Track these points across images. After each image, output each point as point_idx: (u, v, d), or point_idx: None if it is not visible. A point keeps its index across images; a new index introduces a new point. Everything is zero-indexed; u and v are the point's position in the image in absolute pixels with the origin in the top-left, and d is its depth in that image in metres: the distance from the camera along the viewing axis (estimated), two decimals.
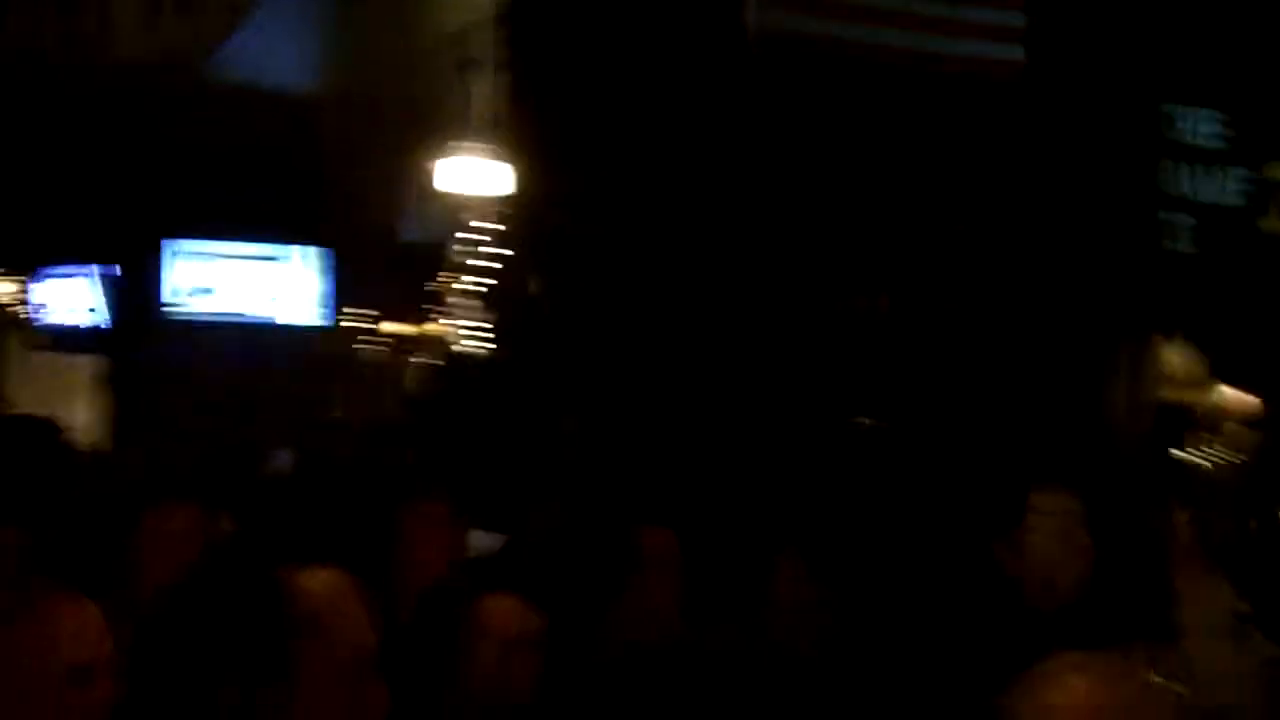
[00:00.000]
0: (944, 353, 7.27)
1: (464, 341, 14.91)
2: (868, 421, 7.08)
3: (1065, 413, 7.38)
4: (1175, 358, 8.78)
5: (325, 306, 15.54)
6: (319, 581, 2.35)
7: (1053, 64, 7.63)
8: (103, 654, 2.54)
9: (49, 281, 14.94)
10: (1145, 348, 8.23)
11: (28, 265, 15.05)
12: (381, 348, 18.61)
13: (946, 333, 7.26)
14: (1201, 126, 8.27)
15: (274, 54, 9.36)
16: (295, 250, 14.36)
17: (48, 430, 9.91)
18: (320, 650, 2.27)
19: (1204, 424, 9.71)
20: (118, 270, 14.01)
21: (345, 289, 16.67)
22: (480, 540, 7.28)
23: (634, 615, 4.14)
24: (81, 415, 15.07)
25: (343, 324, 18.02)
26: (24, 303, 16.33)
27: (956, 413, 7.20)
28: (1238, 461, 9.67)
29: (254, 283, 14.12)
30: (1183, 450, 9.64)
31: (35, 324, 15.48)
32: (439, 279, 15.26)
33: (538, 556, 5.83)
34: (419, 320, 17.21)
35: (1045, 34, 7.60)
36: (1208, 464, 9.61)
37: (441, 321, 15.77)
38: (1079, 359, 7.67)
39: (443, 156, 10.73)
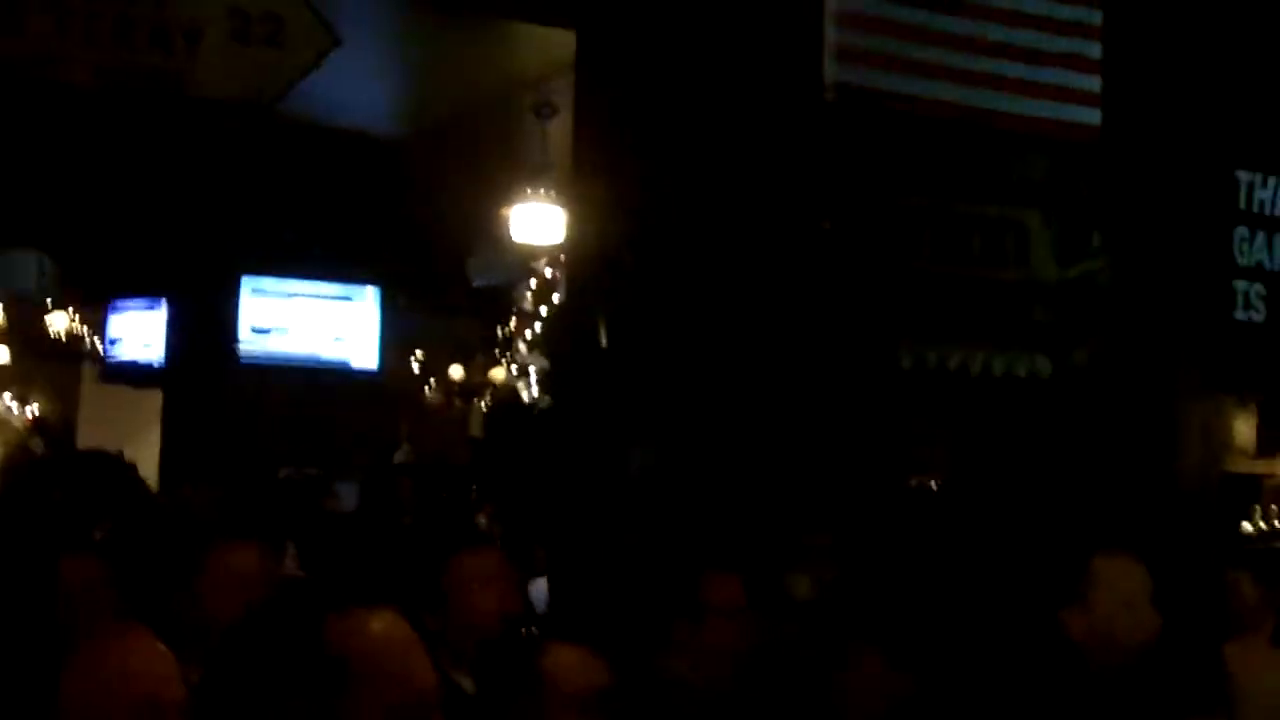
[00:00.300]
0: (1012, 413, 7.22)
1: (531, 386, 14.97)
2: (933, 482, 7.03)
3: (1134, 480, 7.31)
4: (1245, 428, 8.69)
5: (393, 348, 15.60)
6: (373, 625, 2.32)
7: (1129, 128, 7.60)
8: (171, 692, 2.54)
9: (122, 314, 15.08)
10: (1216, 416, 8.14)
11: (103, 297, 15.21)
12: (449, 390, 18.71)
13: (1016, 393, 7.21)
14: (1276, 194, 8.21)
15: (352, 93, 9.45)
16: (366, 290, 14.44)
17: (119, 466, 10.02)
18: (371, 695, 2.24)
19: (1273, 496, 9.60)
20: (189, 305, 14.12)
21: (414, 331, 16.77)
22: (536, 588, 7.29)
23: (692, 662, 4.13)
24: (151, 450, 15.20)
25: (411, 366, 18.13)
26: (98, 335, 16.51)
27: (1023, 475, 7.14)
28: None
29: (324, 322, 14.20)
30: (1251, 522, 9.54)
31: (108, 357, 15.63)
32: (508, 323, 15.35)
33: (598, 600, 5.83)
34: (487, 364, 17.30)
35: (1123, 98, 7.57)
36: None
37: (509, 366, 15.85)
38: (1149, 426, 7.60)
39: (516, 202, 10.79)
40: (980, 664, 4.23)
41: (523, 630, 4.10)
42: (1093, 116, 7.52)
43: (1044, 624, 4.28)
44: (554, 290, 13.74)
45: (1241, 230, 8.08)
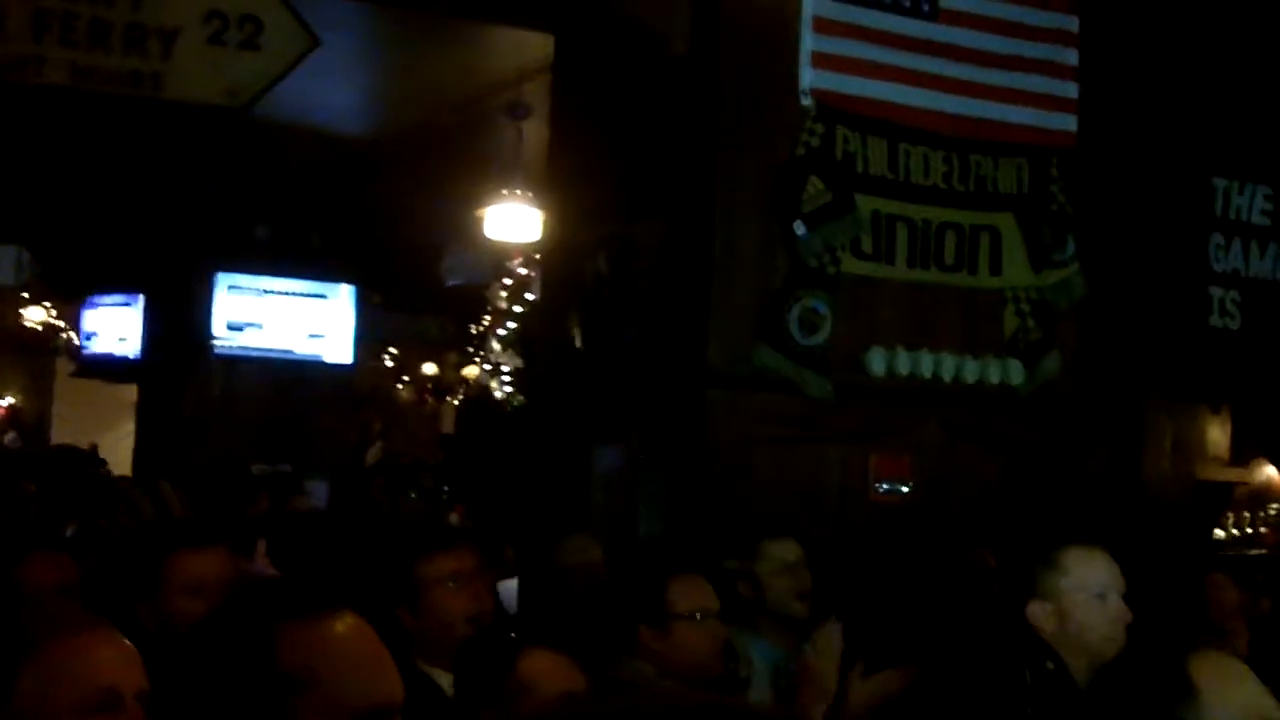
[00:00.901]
0: (983, 420, 7.24)
1: (503, 385, 14.97)
2: (903, 489, 7.04)
3: (1106, 488, 7.34)
4: (1219, 435, 8.73)
5: (367, 345, 15.60)
6: (332, 630, 2.28)
7: (1105, 135, 7.63)
8: (132, 682, 2.54)
9: (96, 309, 15.06)
10: (1189, 423, 8.18)
11: (77, 293, 15.18)
12: (421, 388, 18.71)
13: (988, 400, 7.23)
14: (1252, 201, 8.26)
15: (329, 93, 9.45)
16: (340, 288, 14.44)
17: (90, 462, 10.02)
18: (329, 703, 2.20)
19: (1246, 503, 9.65)
20: (165, 300, 14.10)
21: (387, 328, 16.76)
22: (506, 588, 7.30)
23: (658, 667, 4.14)
24: (125, 443, 15.18)
25: (384, 363, 18.13)
26: (74, 329, 16.48)
27: (994, 483, 7.16)
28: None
29: (298, 319, 14.19)
30: (1224, 529, 9.58)
31: (82, 351, 15.60)
32: (481, 321, 15.35)
33: (565, 601, 5.83)
34: (459, 362, 17.30)
35: (1099, 105, 7.60)
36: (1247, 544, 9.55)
37: (482, 364, 15.85)
38: (1122, 433, 7.64)
39: (491, 202, 10.80)
40: (951, 666, 4.25)
41: (500, 633, 4.10)
42: (1069, 123, 7.55)
43: (1011, 620, 4.28)
44: (527, 289, 13.75)
45: (1217, 237, 8.12)
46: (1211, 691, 2.86)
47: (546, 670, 3.28)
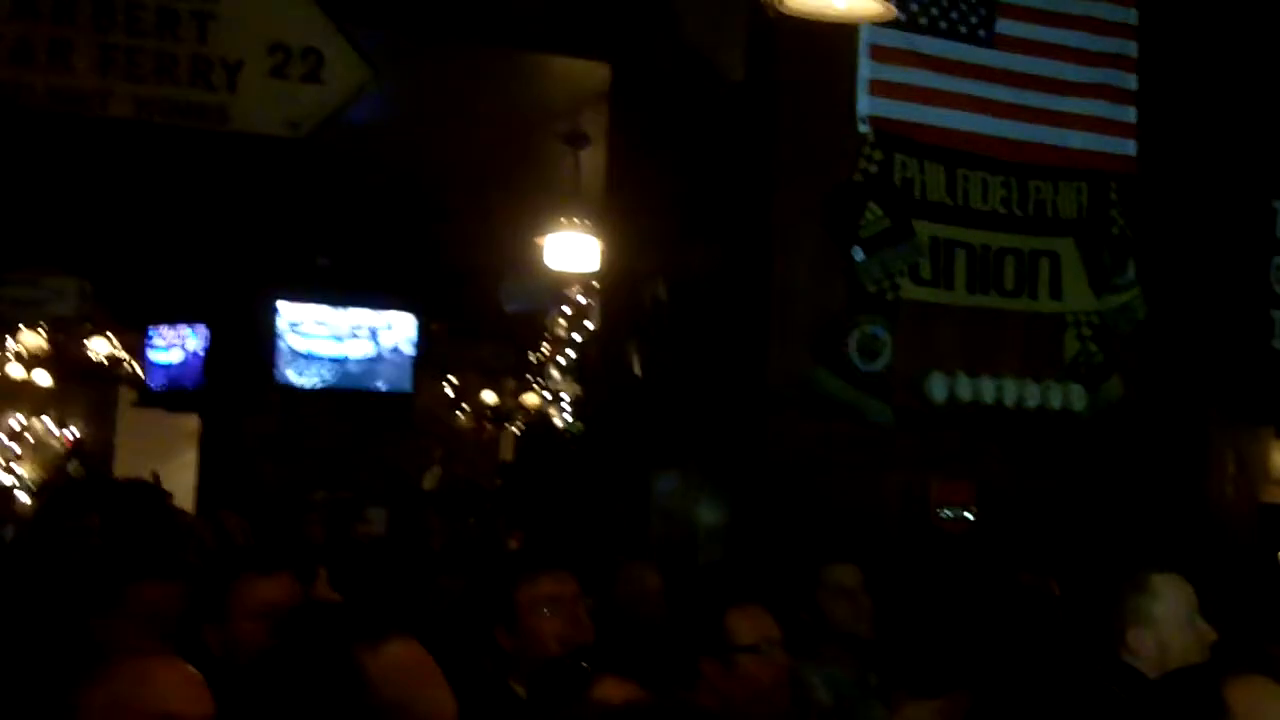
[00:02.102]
0: (1046, 445, 7.21)
1: (563, 412, 15.02)
2: (967, 515, 7.02)
3: (1169, 512, 7.29)
4: None
5: (427, 373, 15.68)
6: (394, 654, 2.32)
7: (1166, 159, 7.60)
8: (198, 709, 2.57)
9: (159, 339, 15.20)
10: (1252, 447, 8.11)
11: (142, 323, 15.33)
12: (480, 415, 18.77)
13: (1049, 425, 7.21)
14: None
15: (388, 123, 9.52)
16: (400, 317, 14.53)
17: (154, 496, 10.11)
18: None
19: None
20: (227, 330, 14.23)
21: (447, 356, 16.85)
22: None
23: (721, 700, 4.09)
24: (184, 474, 15.30)
25: (443, 390, 18.20)
26: (137, 360, 16.65)
27: (1057, 509, 7.13)
28: None
29: (358, 347, 14.29)
30: None
31: (146, 381, 15.75)
32: (540, 350, 15.41)
33: (623, 631, 5.83)
34: (518, 389, 17.36)
35: (1159, 129, 7.57)
36: None
37: (541, 391, 15.91)
38: (1185, 457, 7.58)
39: (550, 230, 10.85)
40: (1012, 692, 4.21)
41: (577, 661, 4.09)
42: (1128, 147, 7.52)
43: (1099, 650, 4.25)
44: (586, 317, 13.79)
45: (1279, 259, 8.05)
46: (1244, 714, 2.85)
47: (620, 699, 3.29)
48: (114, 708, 2.49)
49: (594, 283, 12.35)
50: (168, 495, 12.01)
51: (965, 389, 6.96)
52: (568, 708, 3.26)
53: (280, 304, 13.78)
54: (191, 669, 2.63)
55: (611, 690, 3.30)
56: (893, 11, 5.29)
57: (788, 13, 5.09)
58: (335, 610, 3.63)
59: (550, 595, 4.12)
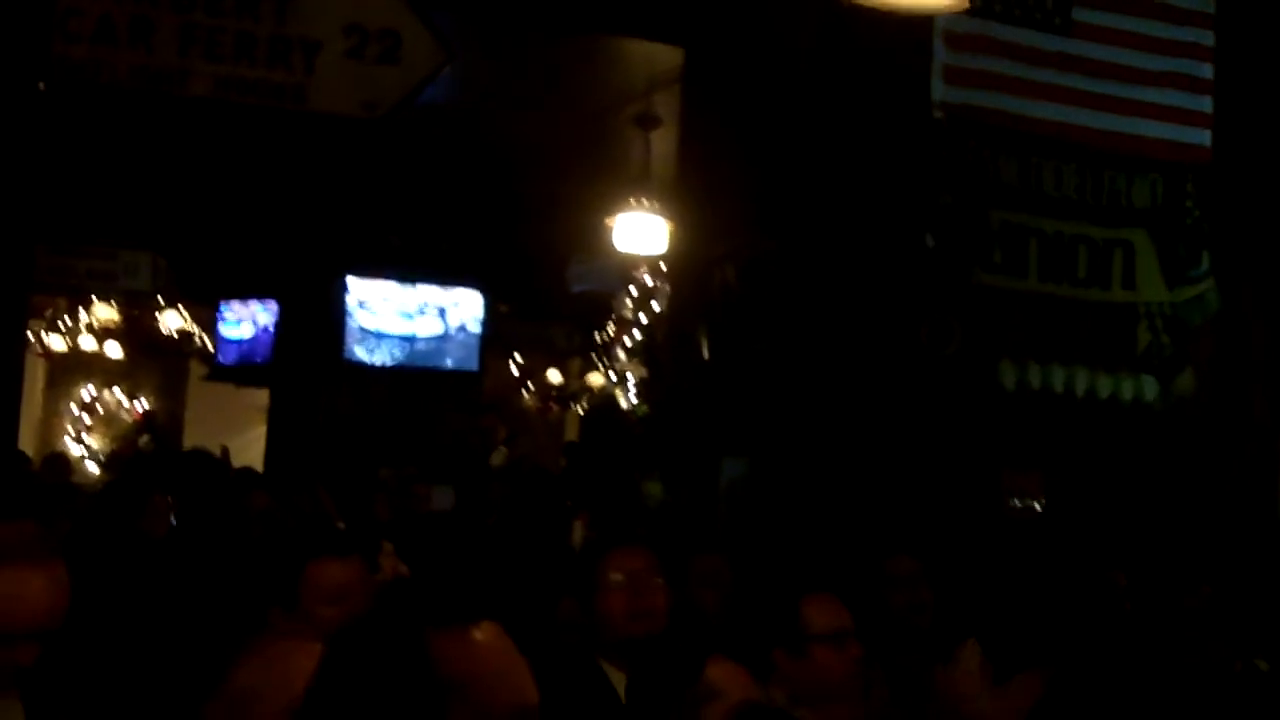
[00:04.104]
0: (1116, 437, 7.18)
1: (629, 393, 15.05)
2: (1036, 505, 7.00)
3: (1237, 507, 7.24)
4: None
5: (494, 351, 15.72)
6: (477, 640, 2.34)
7: (1241, 150, 7.53)
8: None
9: (230, 314, 15.33)
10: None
11: (213, 298, 15.47)
12: (546, 394, 18.83)
13: (1120, 417, 7.17)
14: None
15: (462, 105, 9.56)
16: (468, 295, 14.58)
17: (220, 469, 10.19)
18: (473, 712, 2.26)
19: None
20: (297, 306, 14.33)
21: (514, 336, 16.90)
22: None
23: (792, 692, 4.08)
24: (253, 448, 15.44)
25: (510, 369, 18.28)
26: (207, 334, 16.81)
27: (1124, 502, 7.09)
28: None
29: (427, 326, 14.36)
30: None
31: (216, 355, 15.90)
32: (606, 331, 15.44)
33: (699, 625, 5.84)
34: (584, 369, 17.40)
35: (1235, 120, 7.50)
36: None
37: (607, 372, 15.94)
38: (1253, 451, 7.52)
39: (619, 211, 10.87)
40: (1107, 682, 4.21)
41: (683, 641, 4.10)
42: (1203, 138, 7.46)
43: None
44: (653, 298, 13.81)
45: None
46: None
47: (730, 679, 3.30)
48: (261, 685, 2.52)
49: (662, 265, 12.37)
50: (231, 470, 12.09)
51: (1036, 377, 6.94)
52: (687, 689, 3.27)
53: (350, 281, 13.85)
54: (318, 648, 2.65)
55: (723, 672, 3.30)
56: (964, 2, 5.26)
57: (860, 2, 5.08)
58: (418, 593, 3.65)
59: (628, 570, 4.13)
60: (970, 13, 6.70)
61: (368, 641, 2.34)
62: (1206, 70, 7.50)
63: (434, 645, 2.26)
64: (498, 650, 2.35)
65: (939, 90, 6.90)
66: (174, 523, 7.58)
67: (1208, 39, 7.51)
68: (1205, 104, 7.49)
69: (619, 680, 3.84)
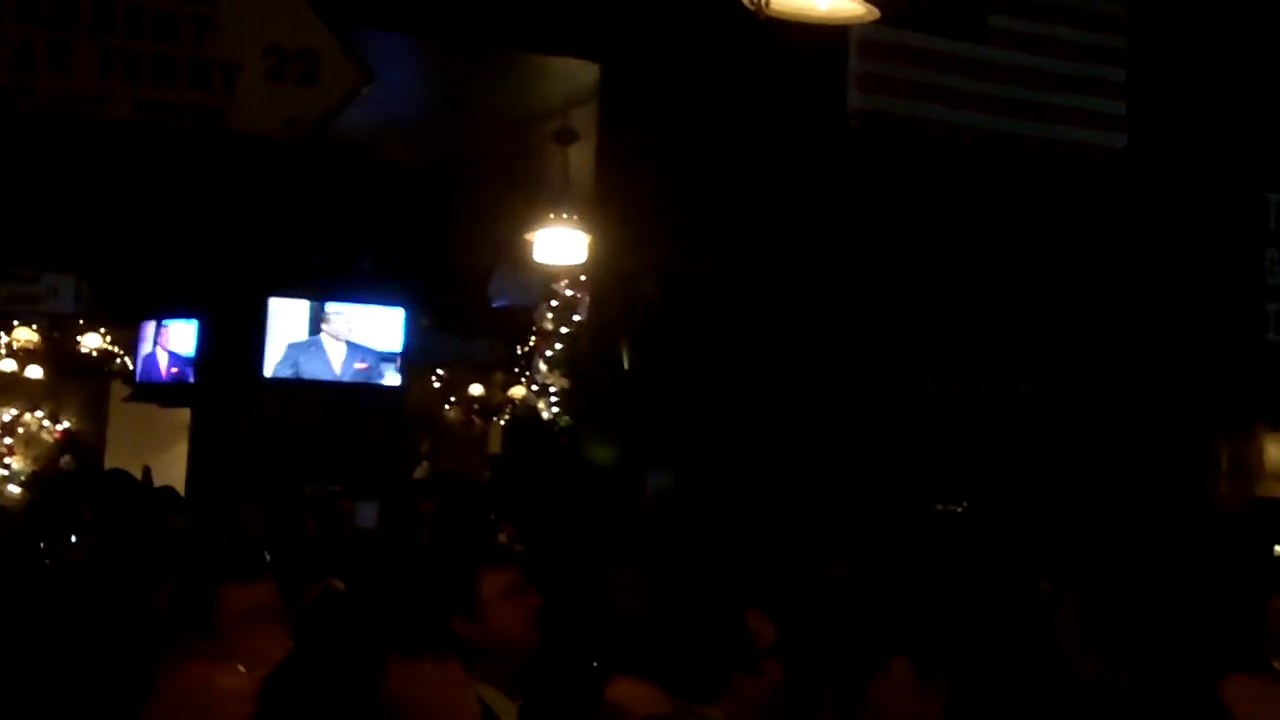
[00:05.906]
0: (1039, 438, 7.26)
1: (550, 405, 15.03)
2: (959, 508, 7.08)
3: (1164, 506, 7.34)
4: (1277, 452, 8.69)
5: (416, 366, 15.67)
6: (428, 672, 2.34)
7: (1156, 152, 7.64)
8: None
9: (151, 334, 15.20)
10: (1247, 441, 8.16)
11: (133, 318, 15.33)
12: (469, 408, 18.78)
13: (1046, 416, 7.25)
14: None
15: (379, 122, 9.53)
16: (389, 311, 14.53)
17: (138, 490, 10.10)
18: None
19: None
20: (218, 325, 14.23)
21: (436, 350, 16.85)
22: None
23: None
24: (175, 467, 15.30)
25: (432, 384, 18.21)
26: (129, 354, 16.65)
27: (1050, 501, 7.18)
28: None
29: (349, 342, 14.30)
30: None
31: (138, 375, 15.75)
32: (527, 343, 15.41)
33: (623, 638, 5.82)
34: (506, 382, 17.36)
35: (1149, 122, 7.61)
36: None
37: (529, 384, 15.90)
38: (1179, 451, 7.63)
39: (539, 226, 10.87)
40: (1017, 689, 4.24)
41: (583, 661, 4.04)
42: (1118, 140, 7.57)
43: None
44: (574, 310, 13.81)
45: (1272, 252, 8.10)
46: (1243, 715, 2.87)
47: (637, 696, 3.25)
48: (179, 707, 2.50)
49: (581, 276, 12.38)
50: (152, 489, 11.97)
51: (959, 381, 7.01)
52: (584, 709, 3.23)
53: (271, 299, 13.78)
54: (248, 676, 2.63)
55: (627, 691, 3.26)
56: (875, 13, 5.32)
57: (773, 15, 5.12)
58: (377, 619, 3.60)
59: (514, 586, 4.03)
60: (884, 21, 6.77)
61: (324, 662, 2.35)
62: (1119, 74, 7.62)
63: (389, 674, 2.27)
64: (449, 684, 2.35)
65: (854, 98, 6.97)
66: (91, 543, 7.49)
67: (1120, 43, 7.62)
68: (1119, 107, 7.60)
69: (507, 710, 3.64)
